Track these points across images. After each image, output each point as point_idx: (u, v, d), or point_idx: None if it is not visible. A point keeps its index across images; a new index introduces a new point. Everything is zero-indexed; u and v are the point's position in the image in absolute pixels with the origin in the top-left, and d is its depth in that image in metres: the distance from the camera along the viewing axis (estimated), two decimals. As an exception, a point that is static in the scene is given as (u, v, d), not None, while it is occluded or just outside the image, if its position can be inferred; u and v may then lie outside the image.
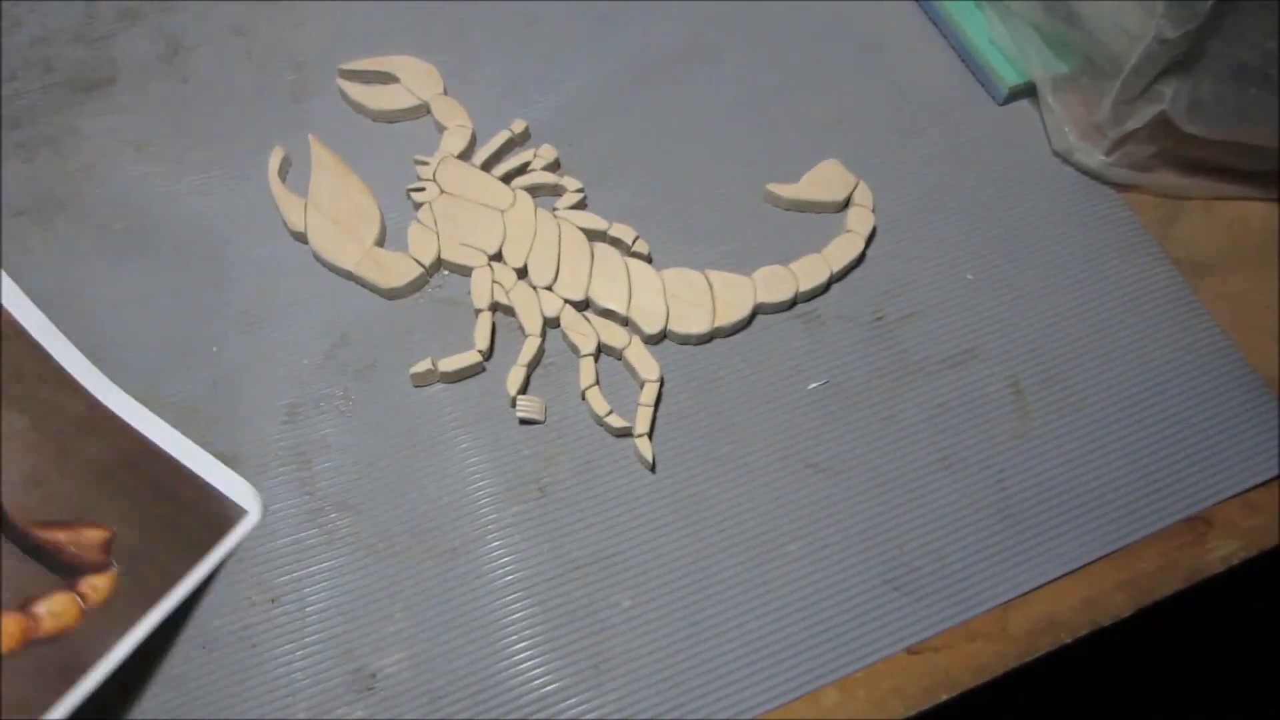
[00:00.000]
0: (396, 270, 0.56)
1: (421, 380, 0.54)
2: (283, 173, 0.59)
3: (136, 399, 0.52)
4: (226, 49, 0.63)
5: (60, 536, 0.48)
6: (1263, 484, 0.53)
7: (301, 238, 0.57)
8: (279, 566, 0.50)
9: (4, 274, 0.55)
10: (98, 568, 0.48)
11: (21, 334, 0.53)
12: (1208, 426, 0.55)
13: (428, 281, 0.57)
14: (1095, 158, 0.61)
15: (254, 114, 0.61)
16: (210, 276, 0.56)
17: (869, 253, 0.59)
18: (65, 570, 0.48)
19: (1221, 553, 0.52)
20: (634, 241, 0.57)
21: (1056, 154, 0.62)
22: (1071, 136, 0.61)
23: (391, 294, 0.56)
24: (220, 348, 0.55)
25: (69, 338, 0.53)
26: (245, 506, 0.51)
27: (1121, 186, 0.62)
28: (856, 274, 0.58)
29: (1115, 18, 0.57)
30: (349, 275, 0.56)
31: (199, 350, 0.54)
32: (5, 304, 0.54)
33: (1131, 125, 0.59)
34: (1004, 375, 0.56)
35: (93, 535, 0.49)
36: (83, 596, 0.47)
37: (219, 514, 0.51)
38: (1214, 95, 0.56)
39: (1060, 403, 0.55)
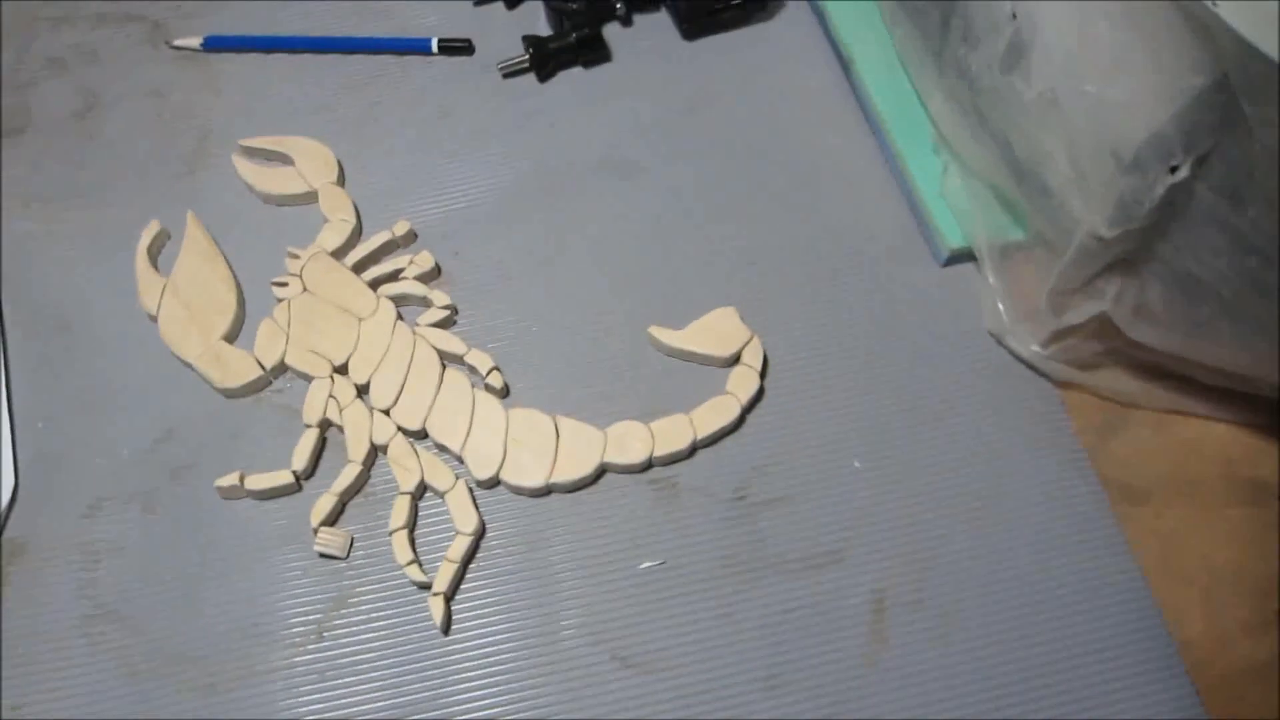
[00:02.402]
0: (236, 369, 0.52)
1: (229, 495, 0.50)
2: (155, 248, 0.56)
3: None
4: (139, 109, 0.62)
5: None
6: (1147, 769, 0.45)
7: (155, 319, 0.54)
8: (34, 673, 0.47)
9: None
10: None
11: None
12: (1102, 692, 0.46)
13: (269, 384, 0.53)
14: (1029, 347, 0.53)
15: (148, 180, 0.59)
16: (58, 348, 0.54)
17: (749, 417, 0.52)
18: None
19: None
20: (489, 373, 0.52)
21: (991, 334, 0.54)
22: (1006, 318, 0.53)
23: (228, 393, 0.53)
24: (46, 425, 0.52)
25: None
26: None
27: (1060, 382, 0.53)
28: (728, 441, 0.52)
29: (1062, 196, 0.49)
30: (191, 366, 0.53)
31: (26, 424, 0.52)
32: None
33: (1070, 320, 0.51)
34: (868, 588, 0.48)
35: None
36: None
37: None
38: (1163, 304, 0.48)
39: (926, 632, 0.48)
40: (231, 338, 0.54)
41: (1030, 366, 0.54)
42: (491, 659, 0.47)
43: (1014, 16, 0.49)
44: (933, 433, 0.52)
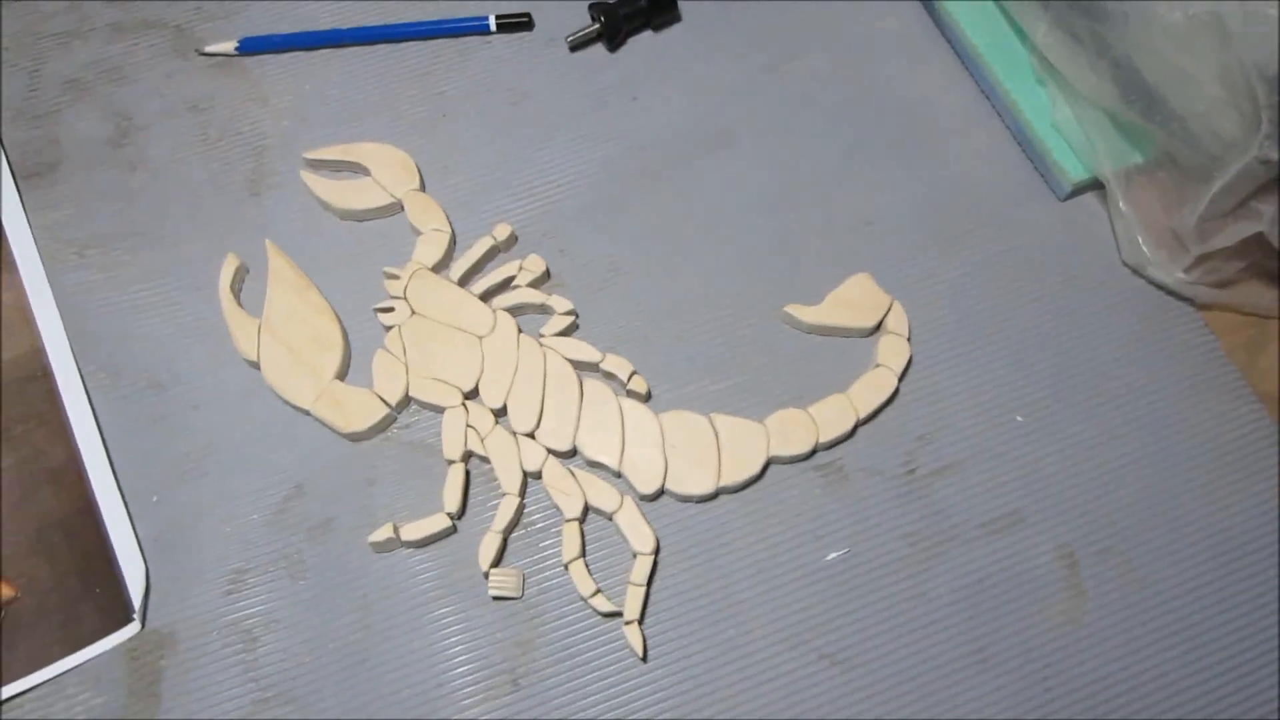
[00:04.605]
0: (358, 411, 0.46)
1: (383, 548, 0.45)
2: (237, 284, 0.49)
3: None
4: (181, 129, 0.53)
5: None
6: (1360, 691, 0.43)
7: (256, 365, 0.48)
8: (217, 771, 0.42)
9: (58, 313, 0.49)
10: None
11: (49, 375, 0.48)
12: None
13: (394, 420, 0.47)
14: (1173, 274, 0.49)
15: (207, 209, 0.51)
16: (151, 411, 0.47)
17: (901, 387, 0.48)
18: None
19: (1309, 780, 0.42)
20: (630, 378, 0.47)
21: (1126, 265, 0.51)
22: (1146, 249, 0.49)
23: (354, 437, 0.47)
24: (160, 498, 0.46)
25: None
26: (135, 613, 0.43)
27: (1202, 305, 0.50)
28: (887, 414, 0.48)
29: (1206, 120, 0.45)
30: (306, 412, 0.47)
31: (138, 500, 0.46)
32: (47, 347, 0.48)
33: (1219, 244, 0.47)
34: (1054, 544, 0.46)
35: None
36: None
37: (113, 612, 0.44)
38: (1323, 217, 0.45)
39: (1121, 580, 0.45)
40: (342, 375, 0.48)
41: (1170, 293, 0.50)
42: (696, 679, 0.43)
43: (1155, -66, 0.44)
44: (1086, 374, 0.49)
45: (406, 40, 0.55)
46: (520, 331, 0.48)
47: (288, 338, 0.47)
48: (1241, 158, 0.43)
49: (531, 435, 0.46)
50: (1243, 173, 0.44)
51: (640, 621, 0.44)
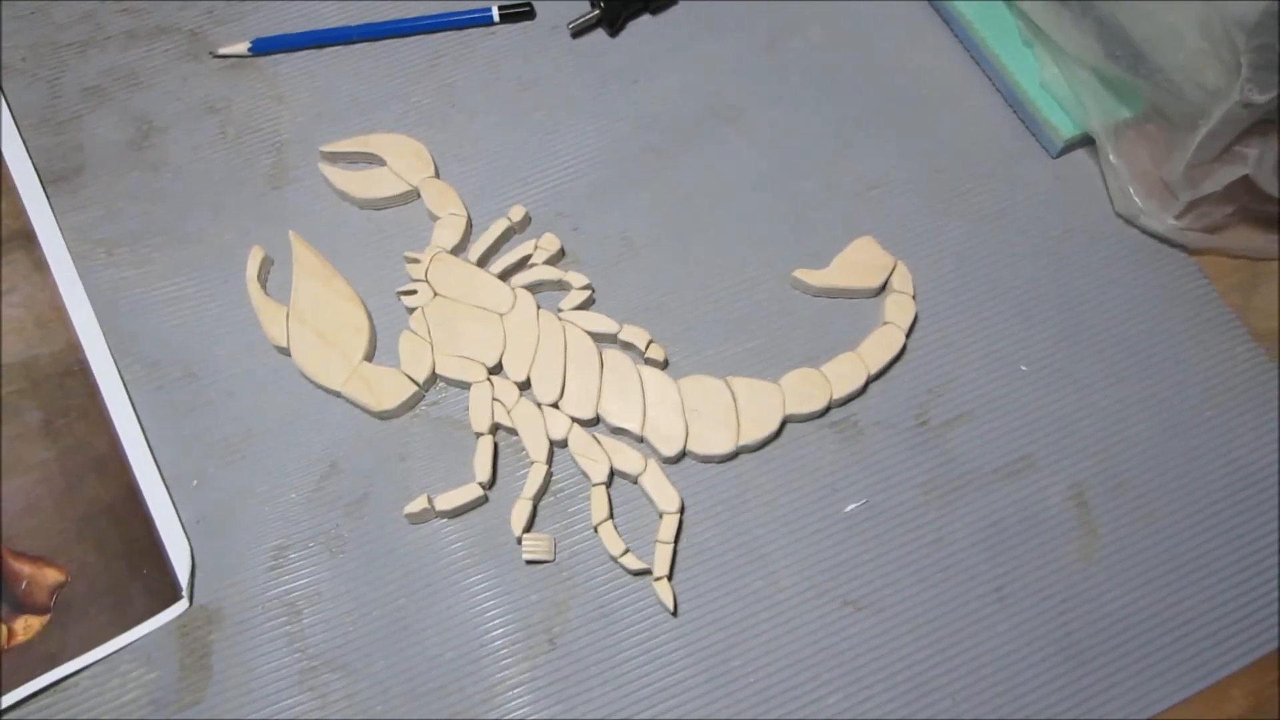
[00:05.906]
0: (388, 390, 0.48)
1: (418, 519, 0.46)
2: (263, 275, 0.51)
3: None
4: (200, 129, 0.55)
5: (25, 570, 0.45)
6: (1364, 611, 0.45)
7: (285, 352, 0.49)
8: (271, 738, 0.43)
9: (91, 309, 0.51)
10: (38, 609, 0.45)
11: (86, 370, 0.49)
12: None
13: (422, 398, 0.49)
14: (1165, 221, 0.51)
15: (230, 204, 0.53)
16: (187, 399, 0.49)
17: (909, 343, 0.50)
18: (8, 602, 0.45)
19: (1319, 697, 0.44)
20: (647, 346, 0.49)
21: (1120, 216, 0.52)
22: (1137, 199, 0.51)
23: (384, 415, 0.48)
24: (200, 481, 0.47)
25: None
26: (183, 591, 0.45)
27: (1195, 251, 0.52)
28: (896, 369, 0.49)
29: (1189, 71, 0.47)
30: (337, 393, 0.49)
31: (179, 485, 0.47)
32: (83, 342, 0.50)
33: (1208, 188, 0.49)
34: (1065, 485, 0.47)
35: (50, 576, 0.45)
36: (10, 633, 0.44)
37: (161, 591, 0.45)
38: (1307, 157, 0.46)
39: (1131, 516, 0.46)
40: (370, 357, 0.49)
41: (1164, 240, 0.52)
42: (725, 630, 0.44)
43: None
44: (1086, 321, 0.50)
45: (413, 34, 0.57)
46: (539, 307, 0.49)
47: (316, 323, 0.49)
48: (1224, 103, 0.45)
49: (556, 405, 0.47)
50: (1226, 118, 0.45)
51: (669, 578, 0.45)
